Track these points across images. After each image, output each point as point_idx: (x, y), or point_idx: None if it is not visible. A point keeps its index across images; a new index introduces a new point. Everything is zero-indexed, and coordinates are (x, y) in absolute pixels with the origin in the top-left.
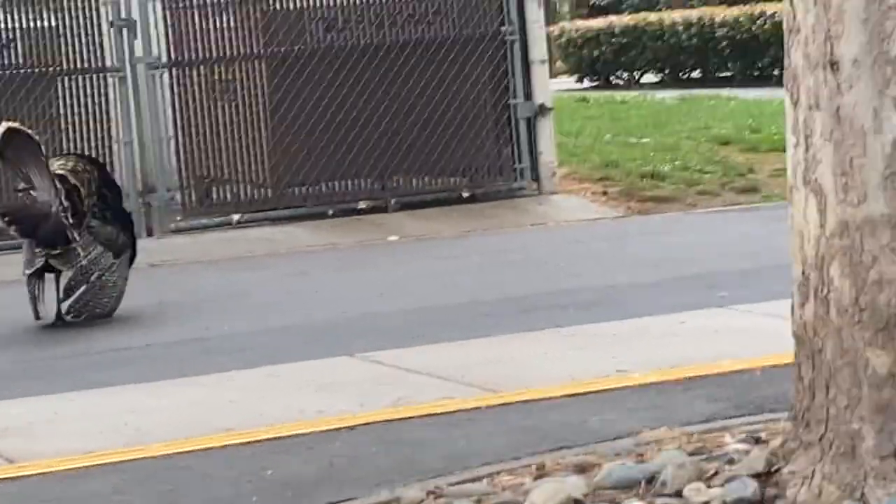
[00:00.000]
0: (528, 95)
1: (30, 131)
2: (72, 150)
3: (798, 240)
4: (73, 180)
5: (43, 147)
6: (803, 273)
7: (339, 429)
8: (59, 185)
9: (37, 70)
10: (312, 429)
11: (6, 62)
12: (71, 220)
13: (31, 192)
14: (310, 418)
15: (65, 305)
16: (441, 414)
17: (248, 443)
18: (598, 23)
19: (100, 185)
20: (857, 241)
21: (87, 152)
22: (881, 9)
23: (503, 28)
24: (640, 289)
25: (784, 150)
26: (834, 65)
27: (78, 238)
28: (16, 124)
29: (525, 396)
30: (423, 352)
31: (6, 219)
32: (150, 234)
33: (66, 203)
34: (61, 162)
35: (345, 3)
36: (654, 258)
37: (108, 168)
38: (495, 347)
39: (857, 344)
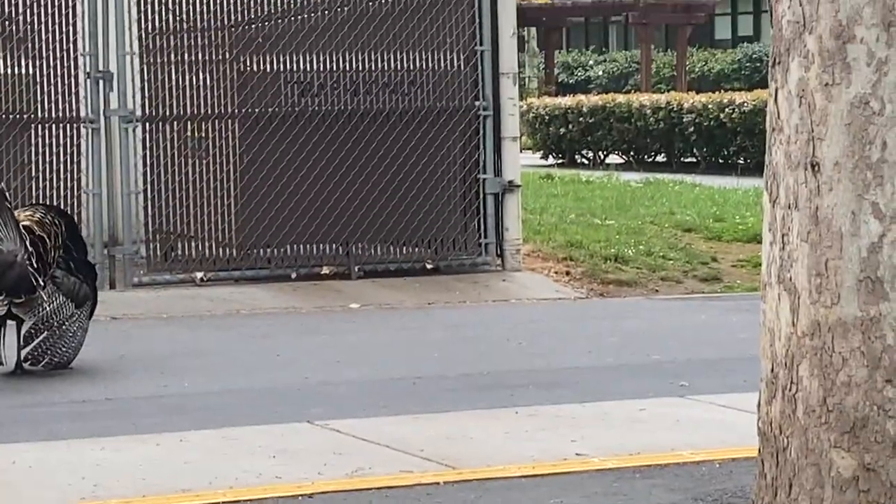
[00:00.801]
0: (498, 171)
1: None
2: (41, 199)
3: (769, 336)
4: (38, 231)
5: (9, 195)
6: (772, 370)
7: (297, 496)
8: (25, 235)
9: (11, 116)
10: (269, 494)
11: None
12: (36, 270)
13: None
14: (267, 483)
15: (23, 353)
16: (399, 487)
17: None
18: (566, 101)
19: (65, 236)
20: (828, 343)
21: (56, 201)
22: (864, 114)
23: (477, 102)
24: (600, 372)
25: (747, 241)
26: (815, 166)
27: (42, 288)
28: None
29: (483, 475)
30: (382, 423)
31: None
32: (113, 286)
33: (31, 253)
34: (28, 213)
35: (321, 68)
36: (615, 342)
37: (74, 219)
38: (455, 423)
39: (822, 445)
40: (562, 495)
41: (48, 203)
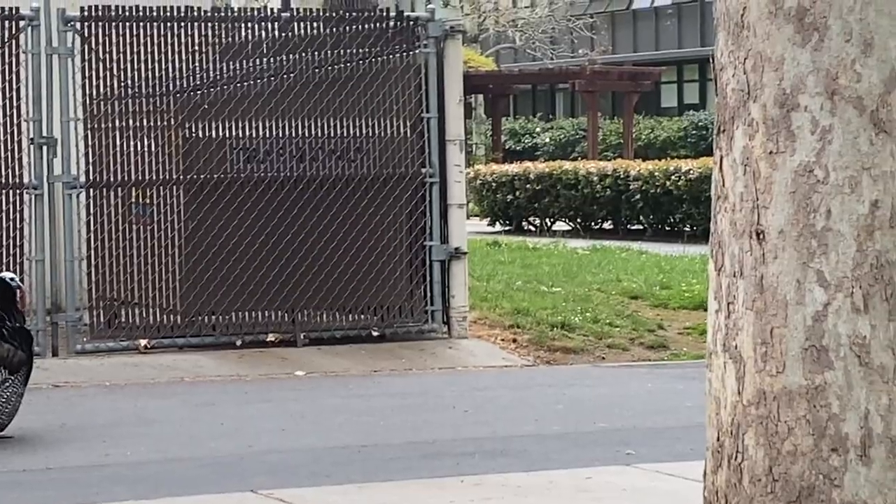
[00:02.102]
0: (444, 238)
1: None
2: None
3: (714, 405)
4: None
5: None
6: (718, 439)
7: None
8: None
9: None
10: None
11: None
12: None
13: None
14: None
15: None
16: None
17: None
18: (513, 168)
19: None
20: (773, 411)
21: None
22: (809, 182)
23: (423, 170)
24: (546, 440)
25: (694, 308)
26: (760, 234)
27: None
28: None
29: None
30: (325, 492)
31: None
32: (55, 354)
33: None
34: None
35: (267, 135)
36: (561, 410)
37: (10, 285)
38: (400, 492)
39: None
40: None
41: None
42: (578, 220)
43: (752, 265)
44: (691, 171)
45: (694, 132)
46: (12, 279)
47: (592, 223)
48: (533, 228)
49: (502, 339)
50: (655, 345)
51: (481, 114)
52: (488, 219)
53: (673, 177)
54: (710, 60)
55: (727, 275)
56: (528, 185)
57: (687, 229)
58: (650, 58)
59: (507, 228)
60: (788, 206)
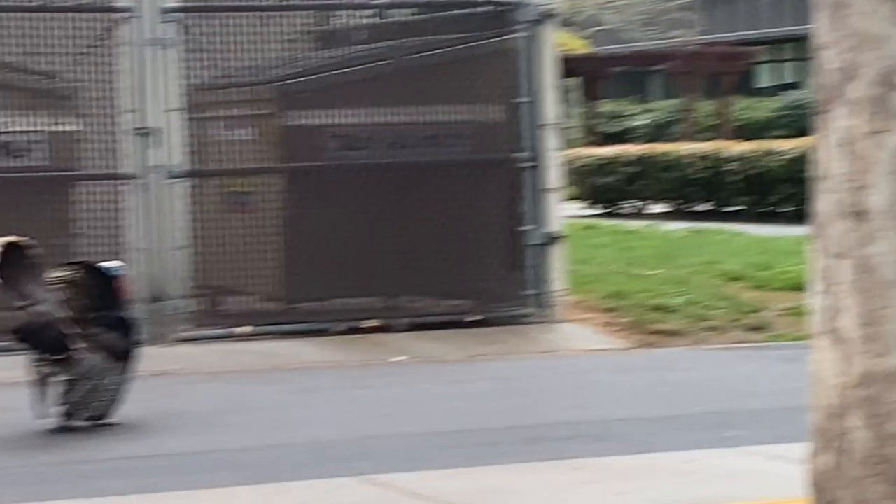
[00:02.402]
0: (540, 222)
1: (26, 242)
2: (84, 256)
3: (818, 387)
4: (72, 290)
5: (39, 256)
6: (821, 421)
7: None
8: (58, 295)
9: (56, 174)
10: None
11: (27, 164)
12: (71, 329)
13: (34, 307)
14: None
15: (60, 409)
16: None
17: None
18: (609, 151)
19: (101, 294)
20: (879, 393)
21: (100, 258)
22: None
23: (519, 154)
24: (647, 423)
25: (794, 290)
26: (862, 214)
27: (78, 346)
28: (12, 238)
29: None
30: (428, 476)
31: (19, 335)
32: (157, 342)
33: (66, 312)
34: (62, 273)
35: (364, 122)
36: (661, 393)
37: (112, 275)
38: (502, 476)
39: (873, 496)
40: None
41: (86, 261)
42: (675, 202)
43: (854, 246)
44: (789, 152)
45: (791, 112)
46: (116, 268)
47: (689, 205)
48: (629, 211)
49: (600, 323)
50: (755, 327)
51: (576, 97)
52: (584, 202)
53: (770, 157)
54: (809, 40)
55: (829, 256)
56: (623, 168)
57: (785, 210)
58: (746, 38)
59: (602, 211)
60: (891, 185)
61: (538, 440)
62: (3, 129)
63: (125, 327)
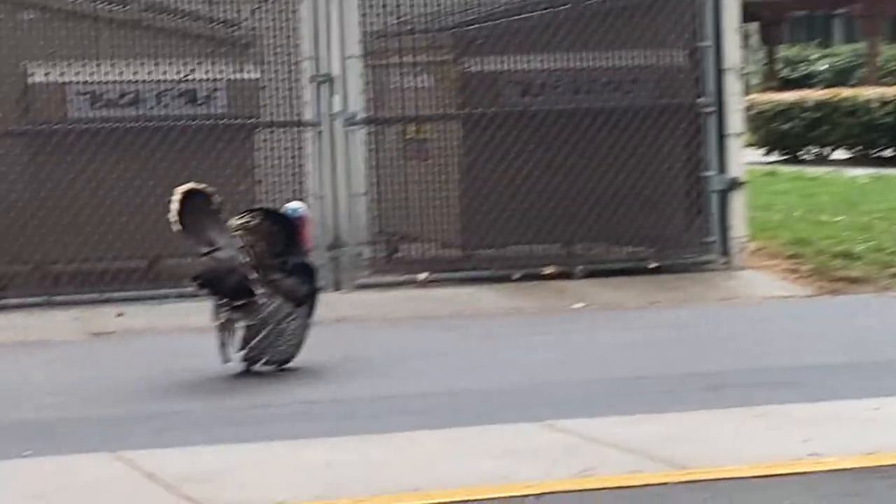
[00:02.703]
0: (722, 168)
1: (207, 188)
2: (265, 202)
3: None
4: (253, 236)
5: (220, 203)
6: None
7: (526, 496)
8: (240, 242)
9: (237, 121)
10: (498, 494)
11: (209, 112)
12: (252, 275)
13: (216, 254)
14: (495, 483)
15: (242, 353)
16: (629, 487)
17: None
18: (789, 96)
19: (282, 239)
20: None
21: (280, 205)
22: None
23: (700, 99)
24: (831, 371)
25: None
26: None
27: (259, 292)
28: (192, 185)
29: (714, 475)
30: (609, 423)
31: (198, 282)
32: (337, 288)
33: (249, 259)
34: (244, 219)
35: (542, 68)
36: (846, 340)
37: (292, 221)
38: (683, 423)
39: None
40: (796, 496)
41: (267, 208)
42: (857, 148)
43: None
44: None
45: None
46: (296, 210)
47: (873, 151)
48: (810, 157)
49: (782, 270)
50: None
51: (756, 42)
52: (764, 148)
53: None
54: None
55: None
56: (804, 114)
57: None
58: None
59: (783, 158)
60: None
61: (719, 387)
62: (185, 78)
63: (305, 273)
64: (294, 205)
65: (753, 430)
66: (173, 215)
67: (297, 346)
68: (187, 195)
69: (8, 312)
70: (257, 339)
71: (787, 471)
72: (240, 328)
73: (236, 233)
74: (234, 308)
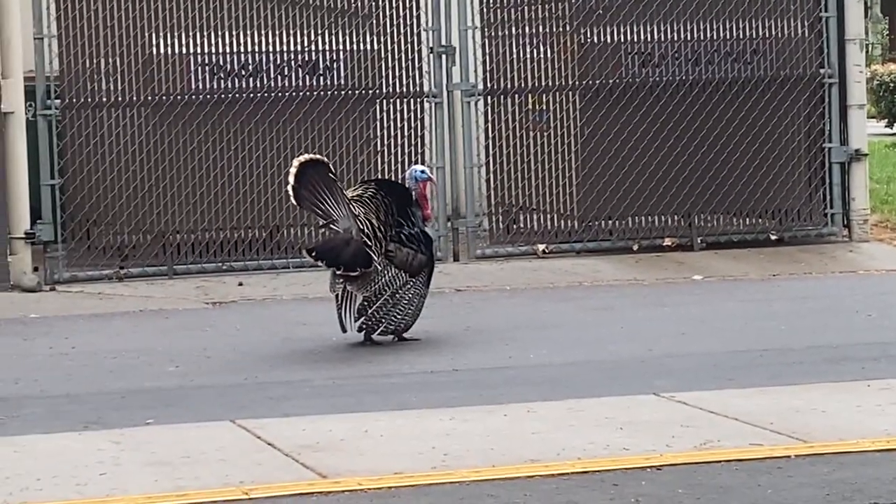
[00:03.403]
0: (844, 140)
1: (323, 159)
2: (385, 172)
3: None
4: (367, 208)
5: (336, 174)
6: None
7: (645, 468)
8: (357, 212)
9: (357, 92)
10: (618, 466)
11: (329, 83)
12: (368, 246)
13: (332, 225)
14: (614, 455)
15: (359, 322)
16: (749, 460)
17: (553, 475)
18: None
19: (396, 211)
20: None
21: (399, 176)
22: None
23: (822, 70)
24: None
25: None
26: None
27: (376, 262)
28: (308, 156)
29: (836, 448)
30: (728, 395)
31: (313, 255)
32: (456, 259)
33: (364, 230)
34: (359, 191)
35: (662, 38)
36: None
37: (409, 192)
38: (804, 396)
39: None
40: None
41: (382, 179)
42: None
43: None
44: None
45: None
46: (423, 172)
47: None
48: None
49: None
50: None
51: (878, 13)
52: (885, 121)
53: None
54: None
55: None
56: None
57: None
58: None
59: None
60: None
61: (841, 360)
62: (306, 48)
63: (421, 243)
64: (419, 167)
65: (876, 405)
66: (290, 186)
67: (414, 315)
68: (304, 166)
69: (130, 281)
70: (373, 308)
71: None
72: (357, 298)
73: (353, 203)
74: (349, 279)
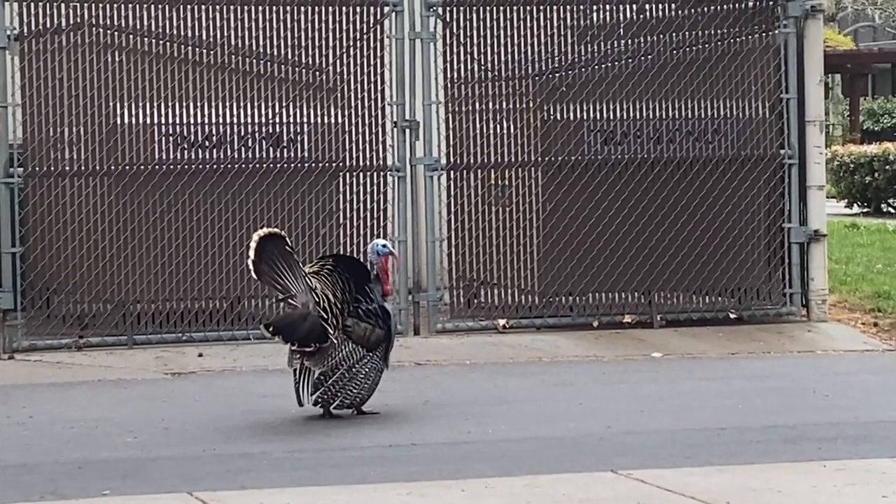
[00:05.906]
0: (803, 220)
1: (282, 233)
2: (348, 245)
3: None
4: (324, 283)
5: (293, 248)
6: None
7: None
8: (314, 286)
9: (321, 165)
10: None
11: (293, 155)
12: (325, 321)
13: (290, 300)
14: None
15: (314, 396)
16: None
17: None
18: (872, 149)
19: (354, 286)
20: None
21: (361, 248)
22: None
23: (782, 151)
24: None
25: None
26: None
27: (332, 337)
28: (268, 230)
29: None
30: (685, 474)
31: (270, 329)
32: (417, 332)
33: (321, 304)
34: (316, 267)
35: (625, 117)
36: None
37: (366, 267)
38: (761, 476)
39: None
40: None
41: (340, 254)
42: None
43: None
44: None
45: None
46: (384, 246)
47: None
48: (893, 211)
49: (863, 323)
50: None
51: (838, 94)
52: (845, 201)
53: None
54: None
55: None
56: (887, 167)
57: None
58: None
59: (865, 210)
60: None
61: (798, 440)
62: (270, 120)
63: (379, 318)
64: (380, 242)
65: (832, 485)
66: (250, 261)
67: (371, 389)
68: (264, 240)
69: (90, 351)
70: (329, 382)
71: None
72: (315, 371)
73: (310, 278)
74: (305, 354)
